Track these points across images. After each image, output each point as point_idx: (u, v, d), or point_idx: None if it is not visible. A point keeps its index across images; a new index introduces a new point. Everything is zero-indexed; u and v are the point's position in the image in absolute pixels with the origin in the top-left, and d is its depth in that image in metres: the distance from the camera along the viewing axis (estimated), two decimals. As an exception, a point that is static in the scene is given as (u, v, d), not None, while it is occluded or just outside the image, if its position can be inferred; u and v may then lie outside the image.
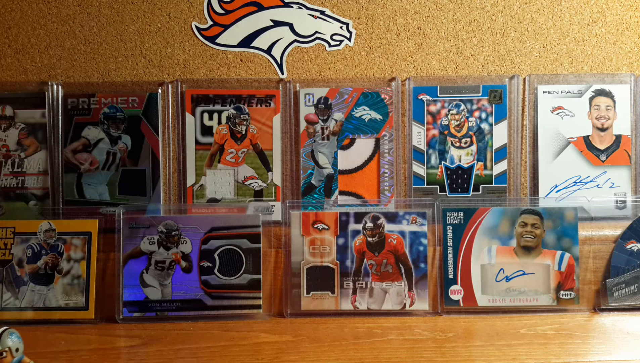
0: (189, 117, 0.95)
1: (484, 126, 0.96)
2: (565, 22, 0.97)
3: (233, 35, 0.96)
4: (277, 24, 0.97)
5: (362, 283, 0.90)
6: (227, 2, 0.96)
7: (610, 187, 0.96)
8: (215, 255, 0.90)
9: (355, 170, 0.96)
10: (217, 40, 0.96)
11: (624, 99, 0.96)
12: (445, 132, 0.96)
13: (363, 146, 0.96)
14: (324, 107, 0.95)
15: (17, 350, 0.65)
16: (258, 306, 0.89)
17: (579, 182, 0.96)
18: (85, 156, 0.95)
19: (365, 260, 0.90)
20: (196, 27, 0.96)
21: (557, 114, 0.96)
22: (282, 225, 0.93)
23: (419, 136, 0.96)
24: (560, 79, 0.97)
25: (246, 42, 0.97)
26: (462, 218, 0.91)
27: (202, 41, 0.96)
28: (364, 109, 0.95)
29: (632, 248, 0.91)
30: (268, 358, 0.74)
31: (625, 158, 0.96)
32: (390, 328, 0.84)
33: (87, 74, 0.96)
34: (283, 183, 0.96)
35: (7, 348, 0.64)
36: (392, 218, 0.91)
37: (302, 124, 0.95)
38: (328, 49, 0.97)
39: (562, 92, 0.96)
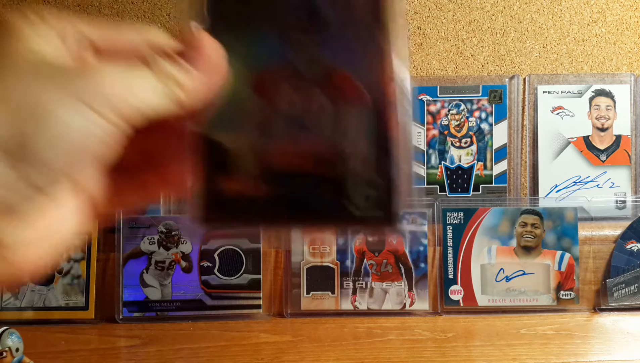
0: (189, 118, 0.95)
1: (484, 126, 0.96)
2: (565, 22, 0.97)
3: (233, 35, 0.96)
4: (277, 24, 0.96)
5: (362, 283, 0.90)
6: (227, 2, 0.96)
7: (610, 187, 0.96)
8: (215, 255, 0.90)
9: (355, 170, 0.96)
10: (217, 41, 0.96)
11: (624, 99, 0.96)
12: (445, 132, 0.96)
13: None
14: (324, 107, 0.95)
15: (17, 350, 0.65)
16: (258, 306, 0.89)
17: (579, 182, 0.96)
18: (85, 156, 0.95)
19: (365, 260, 0.90)
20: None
21: (557, 114, 0.96)
22: (282, 225, 0.93)
23: (418, 136, 0.96)
24: (560, 79, 0.96)
25: (246, 42, 0.97)
26: (462, 218, 0.91)
27: (202, 41, 0.96)
28: (364, 109, 0.95)
29: (632, 248, 0.91)
30: (268, 358, 0.74)
31: (625, 158, 0.96)
32: (390, 328, 0.84)
33: (87, 74, 0.96)
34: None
35: (7, 348, 0.64)
36: (392, 218, 0.90)
37: (302, 124, 0.95)
38: (328, 49, 0.96)
39: (562, 92, 0.96)
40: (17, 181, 0.23)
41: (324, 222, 0.27)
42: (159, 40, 0.28)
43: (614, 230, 0.93)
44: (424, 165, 0.96)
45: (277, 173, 0.26)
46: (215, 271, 0.90)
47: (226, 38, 0.27)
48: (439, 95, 0.96)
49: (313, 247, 0.90)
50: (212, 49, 0.27)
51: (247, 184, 0.26)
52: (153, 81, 0.25)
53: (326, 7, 0.26)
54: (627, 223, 0.92)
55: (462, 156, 0.96)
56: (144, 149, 0.29)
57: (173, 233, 0.90)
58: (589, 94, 0.96)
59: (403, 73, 0.26)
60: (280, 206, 0.26)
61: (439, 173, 0.96)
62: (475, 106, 0.96)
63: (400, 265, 0.90)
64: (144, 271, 0.89)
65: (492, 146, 0.96)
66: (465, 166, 0.96)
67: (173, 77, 0.26)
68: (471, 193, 0.96)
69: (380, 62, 0.26)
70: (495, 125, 0.96)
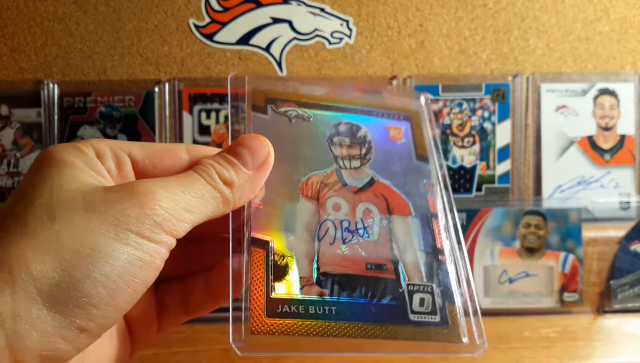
0: (186, 116, 0.94)
1: (487, 125, 0.95)
2: (568, 20, 0.95)
3: (231, 32, 0.95)
4: (276, 21, 0.95)
5: (362, 285, 0.89)
6: None
7: (614, 187, 0.94)
8: (214, 257, 0.88)
9: (356, 170, 0.94)
10: (215, 38, 0.95)
11: (628, 98, 0.95)
12: (447, 131, 0.95)
13: (363, 146, 0.94)
14: (323, 106, 0.94)
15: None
16: (257, 309, 0.88)
17: (583, 182, 0.95)
18: (81, 156, 0.94)
19: (365, 261, 0.89)
20: (194, 24, 0.95)
21: (561, 113, 0.95)
22: (282, 226, 0.92)
23: (420, 136, 0.95)
24: (564, 78, 0.95)
25: (245, 39, 0.95)
26: (464, 219, 0.90)
27: (199, 39, 0.95)
28: (365, 108, 0.94)
29: (637, 249, 0.90)
30: (267, 361, 0.73)
31: (629, 158, 0.95)
32: (391, 331, 0.83)
33: (83, 72, 0.95)
34: (282, 183, 0.94)
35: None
36: (393, 218, 0.89)
37: (302, 124, 0.94)
38: (328, 46, 0.95)
39: (565, 91, 0.95)
40: (63, 326, 0.22)
41: (382, 330, 0.26)
42: (202, 149, 0.28)
43: (618, 231, 0.92)
44: (425, 165, 0.95)
45: (330, 275, 0.26)
46: (214, 272, 0.88)
47: (276, 140, 0.28)
48: (440, 94, 0.94)
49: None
50: (258, 144, 0.27)
51: (300, 287, 0.26)
52: (202, 187, 0.25)
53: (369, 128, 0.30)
54: (631, 224, 0.92)
55: (464, 156, 0.95)
56: (187, 255, 0.28)
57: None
58: (593, 92, 0.95)
59: (442, 183, 0.30)
60: (334, 310, 0.26)
61: (440, 173, 0.95)
62: (478, 105, 0.95)
63: (402, 267, 0.89)
64: (141, 272, 0.88)
65: (495, 145, 0.95)
66: (468, 166, 0.95)
67: (222, 176, 0.26)
68: (474, 193, 0.95)
69: (421, 177, 0.29)
70: (498, 124, 0.95)
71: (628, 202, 0.94)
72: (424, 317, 0.27)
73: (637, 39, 0.96)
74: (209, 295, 0.31)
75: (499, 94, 0.95)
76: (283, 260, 0.26)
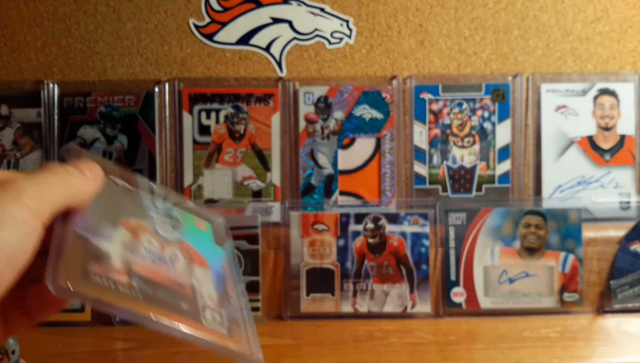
0: (186, 116, 0.94)
1: (487, 125, 0.95)
2: (568, 20, 0.95)
3: (231, 32, 0.95)
4: (276, 21, 0.95)
5: (362, 285, 0.89)
6: None
7: (614, 187, 0.94)
8: (214, 257, 0.89)
9: (356, 170, 0.95)
10: (215, 38, 0.95)
11: (628, 98, 0.95)
12: (448, 131, 0.95)
13: (363, 146, 0.94)
14: (323, 106, 0.94)
15: (13, 352, 0.64)
16: (257, 309, 0.88)
17: (583, 182, 0.94)
18: (82, 156, 0.94)
19: (365, 261, 0.89)
20: (194, 24, 0.95)
21: (561, 113, 0.95)
22: (281, 226, 0.92)
23: (420, 136, 0.95)
24: (564, 78, 0.95)
25: (245, 39, 0.95)
26: (464, 219, 0.90)
27: (199, 39, 0.95)
28: (365, 108, 0.94)
29: (637, 249, 0.90)
30: (267, 362, 0.73)
31: (629, 158, 0.95)
32: (391, 331, 0.83)
33: (83, 72, 0.95)
34: (282, 183, 0.94)
35: (3, 351, 0.63)
36: (393, 219, 0.89)
37: (302, 124, 0.94)
38: (328, 46, 0.95)
39: (565, 91, 0.95)
40: None
41: (175, 309, 0.32)
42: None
43: (618, 231, 0.92)
44: (425, 165, 0.95)
45: (138, 274, 0.31)
46: (214, 272, 0.88)
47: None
48: (441, 93, 0.94)
49: (313, 248, 0.89)
50: (93, 163, 0.34)
51: (112, 273, 0.31)
52: (58, 179, 0.31)
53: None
54: (631, 224, 0.91)
55: (464, 156, 0.95)
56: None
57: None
58: (593, 92, 0.95)
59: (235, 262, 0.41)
60: (137, 294, 0.31)
61: (440, 173, 0.95)
62: (478, 105, 0.95)
63: (402, 267, 0.89)
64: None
65: (495, 145, 0.95)
66: (468, 166, 0.95)
67: (71, 174, 0.32)
68: (474, 193, 0.95)
69: (218, 254, 0.40)
70: (498, 124, 0.95)
71: (628, 202, 0.94)
72: (214, 326, 0.33)
73: (637, 39, 0.96)
74: (44, 301, 0.34)
75: (499, 94, 0.95)
76: (100, 251, 0.31)
